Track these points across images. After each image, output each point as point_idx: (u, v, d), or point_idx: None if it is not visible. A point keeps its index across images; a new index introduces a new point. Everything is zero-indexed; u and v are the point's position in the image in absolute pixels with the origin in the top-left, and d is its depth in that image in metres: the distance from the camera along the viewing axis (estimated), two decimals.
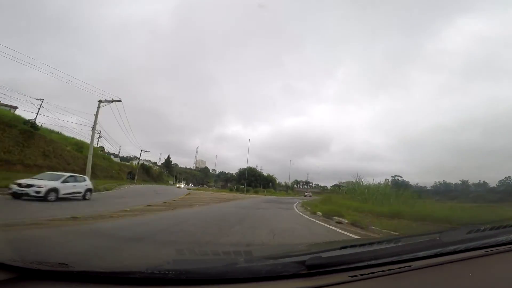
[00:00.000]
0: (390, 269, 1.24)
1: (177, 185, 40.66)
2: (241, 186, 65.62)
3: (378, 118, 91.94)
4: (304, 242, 5.12)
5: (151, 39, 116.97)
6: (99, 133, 54.36)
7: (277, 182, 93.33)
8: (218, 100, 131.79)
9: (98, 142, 54.18)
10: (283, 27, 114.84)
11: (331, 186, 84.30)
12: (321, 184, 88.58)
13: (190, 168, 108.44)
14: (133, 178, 51.68)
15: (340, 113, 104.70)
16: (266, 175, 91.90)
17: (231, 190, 58.45)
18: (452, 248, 1.49)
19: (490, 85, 74.32)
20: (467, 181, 39.83)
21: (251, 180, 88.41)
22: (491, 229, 1.88)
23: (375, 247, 1.58)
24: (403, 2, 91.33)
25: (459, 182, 39.98)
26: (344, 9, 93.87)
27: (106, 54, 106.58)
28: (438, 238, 1.67)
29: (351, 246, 1.57)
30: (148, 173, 73.25)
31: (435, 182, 40.69)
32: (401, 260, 1.34)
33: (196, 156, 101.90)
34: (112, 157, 64.21)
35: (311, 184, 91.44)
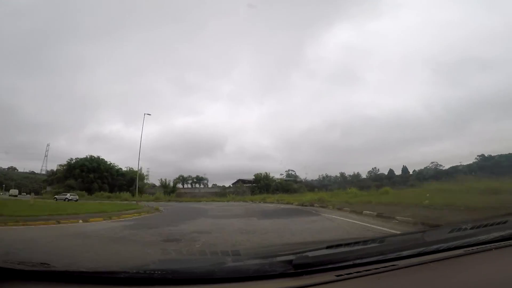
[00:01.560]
0: (375, 268, 1.24)
1: None
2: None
3: (265, 120, 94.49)
4: (292, 242, 5.08)
5: None
6: None
7: (148, 182, 54.96)
8: (90, 92, 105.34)
9: None
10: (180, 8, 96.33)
11: (232, 184, 56.75)
12: (220, 184, 58.34)
13: (35, 173, 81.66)
14: None
15: (233, 114, 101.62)
16: (124, 170, 51.78)
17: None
18: (434, 247, 1.49)
19: (347, 91, 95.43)
20: (344, 173, 56.20)
21: (90, 179, 46.35)
22: (472, 228, 1.88)
23: (360, 246, 1.58)
24: (293, 7, 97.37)
25: (338, 174, 55.87)
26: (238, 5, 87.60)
27: None
28: (421, 237, 1.69)
29: (337, 246, 1.54)
30: None
31: (319, 175, 53.97)
32: (385, 259, 1.34)
33: (45, 156, 72.68)
34: None
35: (205, 182, 58.67)
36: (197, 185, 57.86)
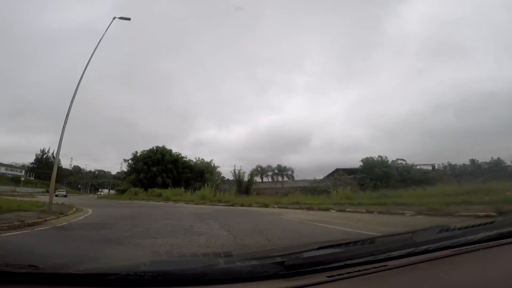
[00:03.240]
0: (366, 269, 1.25)
1: None
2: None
3: (352, 108, 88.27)
4: (283, 243, 5.17)
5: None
6: None
7: (220, 176, 44.78)
8: (186, 103, 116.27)
9: None
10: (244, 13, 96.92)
11: (327, 176, 39.51)
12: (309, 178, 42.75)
13: None
14: None
15: (314, 107, 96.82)
16: (193, 162, 43.36)
17: None
18: (424, 247, 1.49)
19: (453, 66, 79.68)
20: (476, 160, 38.57)
21: (153, 173, 39.58)
22: (460, 228, 1.89)
23: (351, 247, 1.57)
24: None
25: (467, 162, 38.85)
26: None
27: (49, 66, 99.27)
28: (410, 238, 1.65)
29: (328, 247, 1.53)
30: None
31: (437, 165, 38.51)
32: (376, 260, 1.35)
33: None
34: None
35: (288, 173, 44.42)
36: (280, 178, 44.26)
